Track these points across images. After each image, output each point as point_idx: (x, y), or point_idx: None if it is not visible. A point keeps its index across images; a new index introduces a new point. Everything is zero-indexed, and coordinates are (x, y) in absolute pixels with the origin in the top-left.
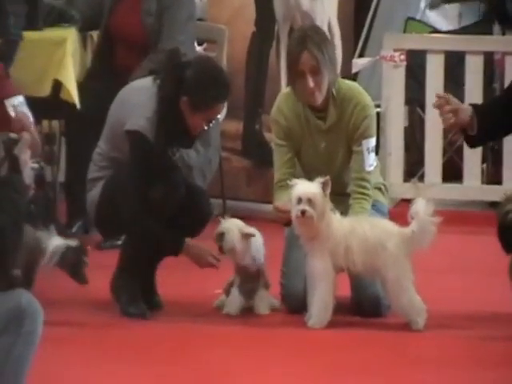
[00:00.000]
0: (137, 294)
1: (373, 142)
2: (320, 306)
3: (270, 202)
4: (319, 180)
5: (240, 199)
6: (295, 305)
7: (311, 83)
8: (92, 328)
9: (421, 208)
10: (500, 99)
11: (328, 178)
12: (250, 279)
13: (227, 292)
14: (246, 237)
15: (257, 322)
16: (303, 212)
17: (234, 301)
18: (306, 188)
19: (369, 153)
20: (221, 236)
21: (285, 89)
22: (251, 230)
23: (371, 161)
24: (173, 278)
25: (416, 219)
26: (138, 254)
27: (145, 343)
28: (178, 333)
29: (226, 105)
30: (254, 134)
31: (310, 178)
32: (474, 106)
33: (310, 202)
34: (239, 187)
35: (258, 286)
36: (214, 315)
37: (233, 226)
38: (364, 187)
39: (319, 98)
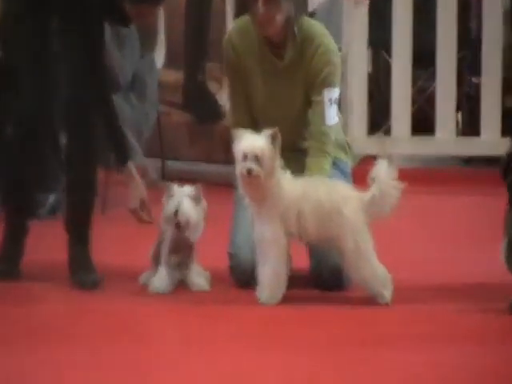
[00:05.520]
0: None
1: (336, 92)
2: (272, 278)
3: (215, 162)
4: (267, 132)
5: (181, 159)
6: (245, 278)
7: (262, 9)
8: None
9: (382, 170)
10: None
11: (277, 129)
12: (181, 251)
13: (153, 265)
14: (197, 202)
15: (203, 298)
16: (249, 170)
17: (163, 278)
18: (253, 143)
19: (331, 104)
20: (177, 212)
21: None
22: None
23: (333, 114)
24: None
25: (377, 183)
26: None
27: (68, 322)
28: (116, 312)
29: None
30: (196, 84)
31: (260, 128)
32: None
33: (256, 158)
34: (180, 145)
35: (190, 258)
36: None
37: (182, 195)
38: (323, 143)
39: (270, 29)
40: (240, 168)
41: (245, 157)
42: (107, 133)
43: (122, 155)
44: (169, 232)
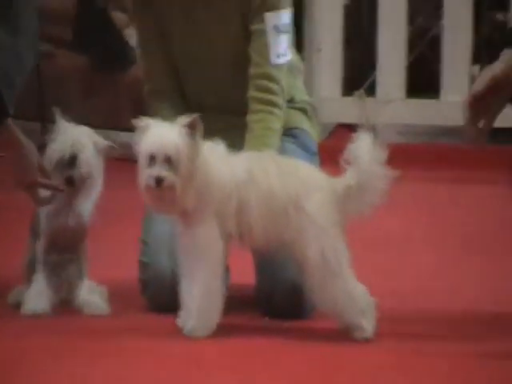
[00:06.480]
0: None
1: (284, 15)
2: (201, 299)
3: (121, 129)
4: (182, 120)
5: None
6: (163, 297)
7: None
8: None
9: (363, 147)
10: None
11: (196, 116)
12: (63, 248)
13: (26, 278)
14: (105, 152)
15: (98, 328)
16: (158, 180)
17: (40, 292)
18: (162, 138)
19: (278, 33)
20: (73, 160)
21: None
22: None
23: (282, 48)
24: None
25: (354, 166)
26: None
27: None
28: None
29: None
30: (93, 13)
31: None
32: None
33: (169, 161)
34: (71, 102)
35: (78, 260)
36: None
37: (86, 138)
38: (270, 91)
39: None
40: (145, 177)
41: (151, 159)
42: None
43: None
44: (43, 217)
